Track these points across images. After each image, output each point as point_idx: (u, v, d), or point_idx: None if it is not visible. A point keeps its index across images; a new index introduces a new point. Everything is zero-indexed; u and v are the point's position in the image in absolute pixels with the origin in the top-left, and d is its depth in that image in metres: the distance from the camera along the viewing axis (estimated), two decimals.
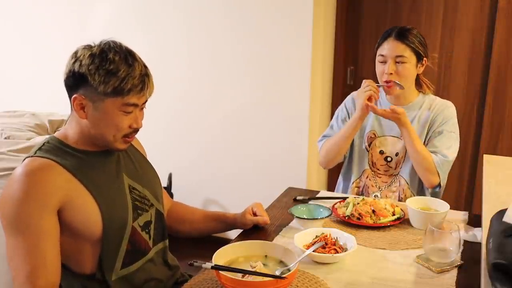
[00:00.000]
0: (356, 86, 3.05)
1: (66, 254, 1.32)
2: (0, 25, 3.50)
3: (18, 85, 3.52)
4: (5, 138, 2.49)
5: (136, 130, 1.37)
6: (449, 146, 1.97)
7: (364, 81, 1.99)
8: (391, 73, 1.96)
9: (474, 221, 1.75)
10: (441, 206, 1.70)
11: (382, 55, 1.99)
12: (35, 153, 1.31)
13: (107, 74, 1.25)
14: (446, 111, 2.03)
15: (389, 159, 2.06)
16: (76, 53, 1.30)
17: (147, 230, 1.44)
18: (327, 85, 3.06)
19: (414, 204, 1.72)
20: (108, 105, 1.29)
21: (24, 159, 1.31)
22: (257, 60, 2.91)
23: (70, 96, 1.32)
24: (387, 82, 1.98)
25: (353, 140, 2.11)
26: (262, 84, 2.94)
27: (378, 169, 2.09)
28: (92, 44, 1.31)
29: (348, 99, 2.19)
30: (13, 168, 2.28)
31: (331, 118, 3.08)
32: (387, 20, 2.94)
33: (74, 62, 1.28)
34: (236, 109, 3.02)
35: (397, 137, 2.05)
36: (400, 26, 2.02)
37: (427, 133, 2.02)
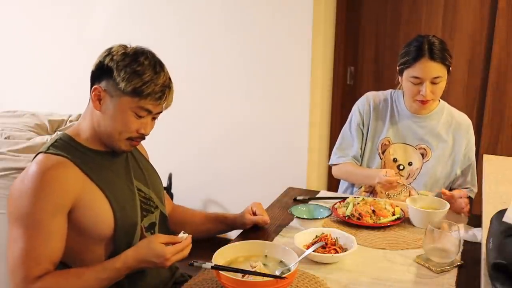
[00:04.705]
0: (356, 86, 3.06)
1: (73, 253, 1.32)
2: (0, 25, 3.50)
3: (18, 85, 3.52)
4: (5, 138, 2.49)
5: (142, 137, 1.39)
6: (475, 178, 2.02)
7: (389, 176, 1.86)
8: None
9: (474, 221, 1.75)
10: (441, 205, 1.71)
11: (417, 77, 1.87)
12: (48, 149, 1.32)
13: (132, 74, 1.30)
14: (470, 136, 2.04)
15: (401, 167, 2.01)
16: (110, 48, 1.36)
17: (152, 232, 1.46)
18: (327, 85, 3.06)
19: (414, 203, 1.73)
20: (123, 103, 1.31)
21: (36, 155, 1.32)
22: (257, 60, 2.91)
23: (91, 87, 1.36)
24: (422, 102, 1.92)
25: (364, 145, 2.07)
26: (262, 84, 2.93)
27: None
28: (128, 45, 1.37)
29: (362, 101, 2.09)
30: (13, 168, 2.29)
31: (331, 118, 3.11)
32: (387, 20, 2.94)
33: (106, 56, 1.34)
34: (236, 108, 3.02)
35: (411, 146, 2.01)
36: (426, 38, 1.89)
37: (451, 153, 2.01)
